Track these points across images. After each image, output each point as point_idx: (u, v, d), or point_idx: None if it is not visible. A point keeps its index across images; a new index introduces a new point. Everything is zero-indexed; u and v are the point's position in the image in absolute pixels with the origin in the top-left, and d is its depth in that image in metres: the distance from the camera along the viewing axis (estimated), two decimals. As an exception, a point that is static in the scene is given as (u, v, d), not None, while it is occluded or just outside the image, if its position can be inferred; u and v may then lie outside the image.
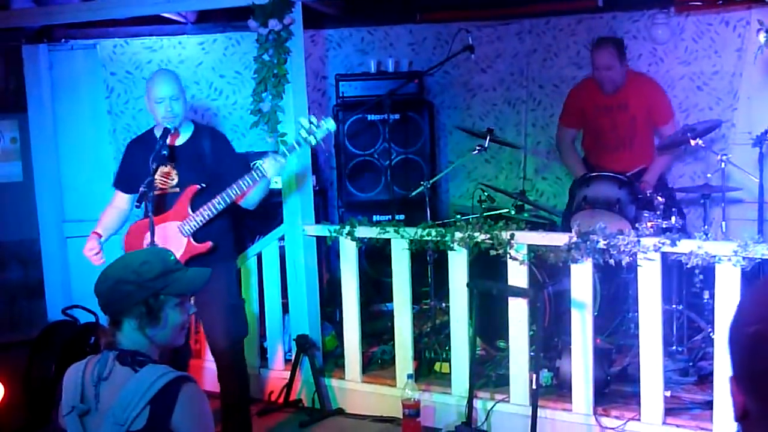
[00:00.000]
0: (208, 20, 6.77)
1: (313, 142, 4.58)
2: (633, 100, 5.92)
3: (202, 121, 6.59)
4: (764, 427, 1.34)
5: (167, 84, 4.55)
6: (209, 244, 4.55)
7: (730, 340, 1.40)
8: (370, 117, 6.59)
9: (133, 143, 4.84)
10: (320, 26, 7.04)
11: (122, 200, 4.81)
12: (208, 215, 4.51)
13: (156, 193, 4.42)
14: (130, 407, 2.45)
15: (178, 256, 4.41)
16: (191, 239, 4.54)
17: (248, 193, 4.59)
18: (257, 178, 4.49)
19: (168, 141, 4.47)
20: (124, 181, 4.78)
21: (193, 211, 4.53)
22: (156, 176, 4.42)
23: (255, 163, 4.91)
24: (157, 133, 4.62)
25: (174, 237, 4.52)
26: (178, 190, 4.58)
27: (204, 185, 4.56)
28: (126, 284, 2.58)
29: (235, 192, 4.49)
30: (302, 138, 4.55)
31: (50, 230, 6.45)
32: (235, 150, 4.89)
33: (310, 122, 4.56)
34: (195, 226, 4.52)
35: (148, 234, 4.33)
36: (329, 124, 4.58)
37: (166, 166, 4.53)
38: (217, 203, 4.50)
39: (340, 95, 6.73)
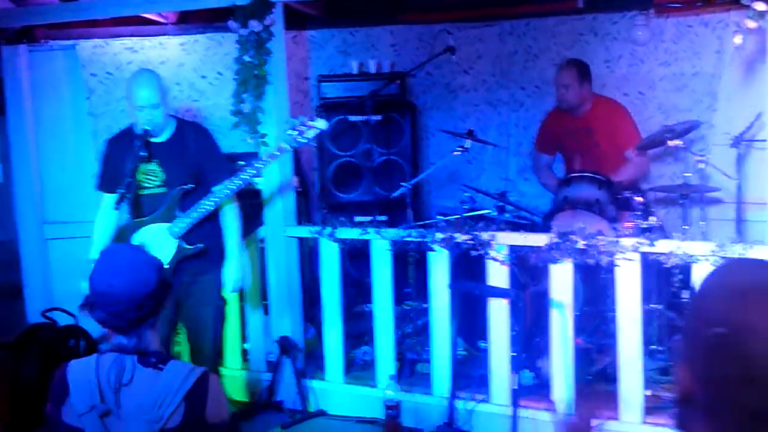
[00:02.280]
0: (189, 21, 6.76)
1: (304, 142, 4.57)
2: (597, 124, 5.96)
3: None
4: (708, 412, 1.39)
5: (147, 91, 4.48)
6: (200, 246, 4.53)
7: (688, 332, 1.43)
8: (352, 118, 6.58)
9: (112, 141, 4.78)
10: (302, 27, 7.04)
11: (109, 202, 4.77)
12: (198, 217, 4.49)
13: (143, 193, 4.41)
14: (164, 405, 2.51)
15: (168, 258, 4.42)
16: (182, 241, 4.53)
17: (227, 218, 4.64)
18: (248, 179, 4.50)
19: (147, 140, 4.46)
20: (106, 182, 4.73)
21: (182, 213, 4.51)
22: (137, 176, 4.39)
23: (238, 164, 4.92)
24: (136, 129, 4.58)
25: (163, 239, 4.50)
26: (164, 188, 4.55)
27: (192, 186, 4.54)
28: (159, 285, 2.64)
29: (225, 192, 4.48)
30: (292, 138, 4.54)
31: (30, 232, 6.39)
32: (219, 145, 4.88)
33: (301, 122, 4.56)
34: (185, 228, 4.50)
35: (133, 237, 4.32)
36: (320, 124, 4.57)
37: (149, 165, 4.50)
38: (207, 204, 4.48)
39: (322, 96, 6.72)
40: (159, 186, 4.56)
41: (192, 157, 4.60)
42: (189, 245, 4.53)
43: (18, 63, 6.28)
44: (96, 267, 2.65)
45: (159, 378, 2.55)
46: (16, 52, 6.29)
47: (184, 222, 4.49)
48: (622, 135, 5.90)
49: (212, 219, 4.59)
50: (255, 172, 4.56)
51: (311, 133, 4.54)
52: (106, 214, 4.71)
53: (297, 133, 4.54)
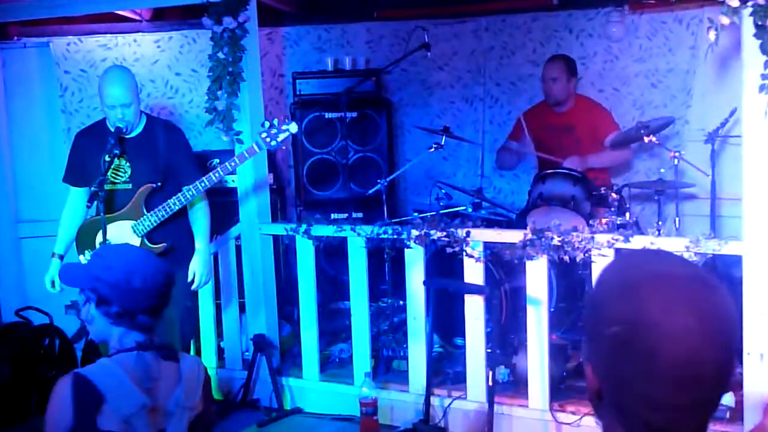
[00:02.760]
0: (163, 18, 6.72)
1: (274, 145, 4.55)
2: (578, 122, 6.00)
3: (158, 119, 6.55)
4: (615, 410, 1.40)
5: (119, 89, 4.45)
6: (163, 245, 4.51)
7: (587, 331, 1.44)
8: (328, 115, 6.56)
9: (82, 134, 4.76)
10: (277, 24, 7.02)
11: (75, 195, 4.75)
12: (163, 215, 4.47)
13: (108, 188, 4.38)
14: (194, 393, 2.66)
15: None
16: (145, 239, 4.50)
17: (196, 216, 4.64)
18: (215, 180, 4.48)
19: (120, 137, 4.44)
20: (74, 174, 4.71)
21: (148, 211, 4.49)
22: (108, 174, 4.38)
23: (213, 162, 4.88)
24: (109, 124, 4.55)
25: (127, 236, 4.47)
26: (130, 185, 4.53)
27: (159, 184, 4.52)
28: (170, 277, 2.73)
29: (192, 193, 4.45)
30: (263, 140, 4.52)
31: (4, 231, 6.34)
32: (189, 144, 4.85)
33: (272, 125, 4.53)
34: (149, 226, 4.48)
35: (100, 233, 4.28)
36: (292, 128, 4.55)
37: (116, 160, 4.47)
38: (173, 203, 4.46)
39: (297, 93, 6.70)
40: (125, 182, 4.54)
41: (161, 154, 4.58)
42: (153, 244, 4.51)
43: (-10, 61, 6.24)
44: (103, 264, 2.62)
45: (182, 369, 2.66)
46: (-12, 50, 6.25)
47: (149, 220, 4.48)
48: (602, 132, 5.93)
49: (179, 218, 4.57)
50: (223, 173, 4.53)
51: (282, 137, 4.52)
52: (72, 208, 4.72)
53: (268, 136, 4.51)
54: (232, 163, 4.52)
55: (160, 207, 4.46)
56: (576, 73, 6.07)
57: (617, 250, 4.27)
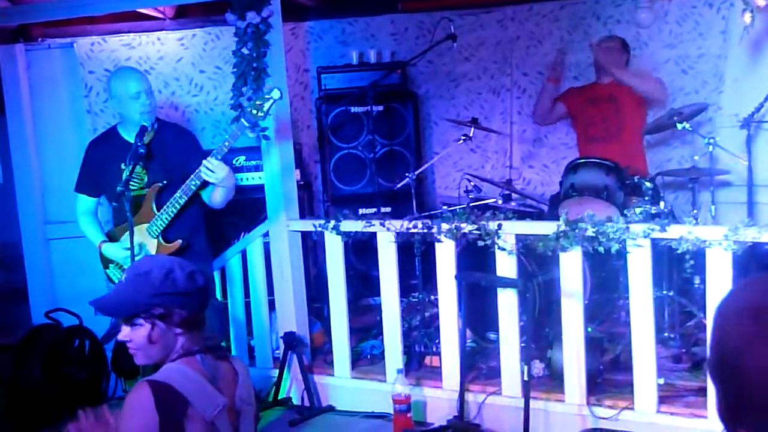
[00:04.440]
0: (186, 15, 6.68)
1: (261, 115, 4.43)
2: (621, 92, 5.97)
3: (183, 117, 6.51)
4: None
5: (138, 78, 4.52)
6: (179, 242, 4.48)
7: (729, 391, 1.31)
8: (354, 109, 6.52)
9: (94, 143, 4.79)
10: (301, 18, 6.96)
11: (90, 204, 4.76)
12: (172, 212, 4.45)
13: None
14: (250, 389, 2.75)
15: None
16: (161, 239, 4.48)
17: (213, 194, 4.53)
18: (198, 182, 4.41)
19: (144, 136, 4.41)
20: (88, 184, 4.73)
21: (158, 210, 4.47)
22: (124, 176, 4.34)
23: (237, 159, 4.82)
24: (122, 131, 4.56)
25: (146, 239, 4.46)
26: (145, 191, 4.53)
27: (165, 182, 4.49)
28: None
29: (195, 183, 4.40)
30: (251, 116, 4.42)
31: (32, 232, 6.35)
32: (201, 147, 4.81)
33: (254, 99, 4.45)
34: (161, 225, 4.47)
35: (127, 235, 4.26)
36: (274, 94, 4.43)
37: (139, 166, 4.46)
38: (179, 197, 4.43)
39: (323, 88, 6.65)
40: (142, 189, 4.53)
41: (174, 159, 4.57)
42: (168, 242, 4.49)
43: (15, 62, 6.24)
44: (154, 278, 2.55)
45: (236, 367, 2.71)
46: (13, 52, 6.25)
47: (160, 219, 4.46)
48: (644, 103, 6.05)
49: (190, 214, 4.54)
50: (219, 157, 4.44)
51: (267, 105, 4.41)
52: (87, 216, 4.74)
53: (253, 108, 4.41)
54: (226, 143, 4.42)
55: (168, 203, 4.44)
56: (629, 51, 6.12)
57: (653, 241, 4.18)
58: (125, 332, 2.58)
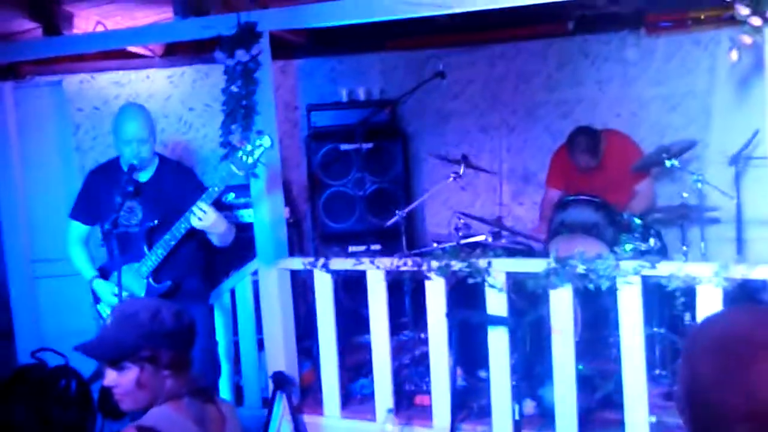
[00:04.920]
0: (175, 53, 6.70)
1: (252, 163, 4.39)
2: (609, 159, 5.90)
3: (172, 155, 6.49)
4: None
5: (135, 124, 4.45)
6: (168, 284, 4.44)
7: (688, 408, 1.30)
8: (343, 147, 6.51)
9: (95, 173, 4.75)
10: (290, 56, 6.99)
11: (81, 231, 4.72)
12: (162, 253, 4.40)
13: (119, 231, 4.31)
14: (239, 431, 2.72)
15: None
16: (150, 281, 4.44)
17: (210, 236, 4.50)
18: (187, 225, 4.37)
19: (134, 176, 4.38)
20: (83, 211, 4.70)
21: (149, 250, 4.43)
22: (120, 213, 4.31)
23: (227, 196, 4.79)
24: (122, 163, 4.52)
25: (136, 279, 4.42)
26: (139, 228, 4.49)
27: (155, 222, 4.46)
28: None
29: (185, 225, 4.36)
30: (241, 165, 4.39)
31: (18, 271, 6.29)
32: (203, 185, 4.77)
33: (244, 147, 4.42)
34: (151, 266, 4.42)
35: (115, 274, 4.22)
36: (265, 142, 4.42)
37: (130, 202, 4.42)
38: (169, 238, 4.39)
39: (312, 125, 6.66)
40: (136, 225, 4.50)
41: (171, 197, 4.53)
42: (157, 283, 4.45)
43: (4, 100, 6.20)
44: (142, 319, 2.51)
45: (221, 410, 2.66)
46: (1, 90, 6.22)
47: (150, 260, 4.42)
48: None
49: (182, 255, 4.50)
50: (210, 201, 4.41)
51: (258, 152, 4.39)
52: (78, 244, 4.69)
53: (244, 154, 4.38)
54: (216, 189, 4.38)
55: (157, 244, 4.40)
56: (600, 142, 5.89)
57: (644, 278, 4.17)
58: (111, 377, 2.52)
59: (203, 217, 4.29)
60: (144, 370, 2.50)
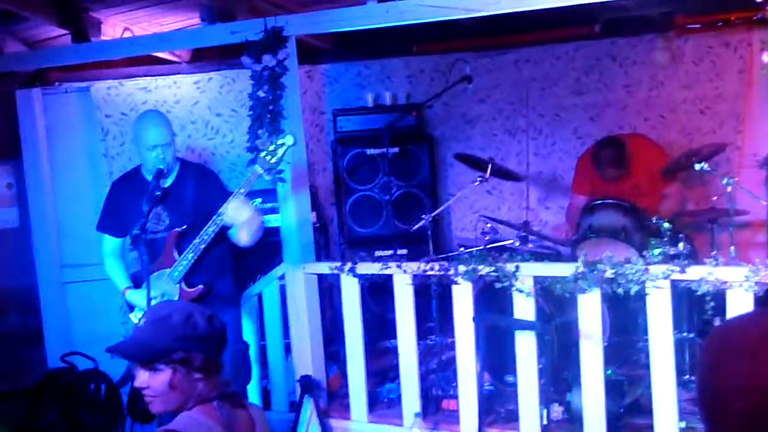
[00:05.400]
0: (202, 59, 6.73)
1: (275, 162, 4.41)
2: (634, 165, 5.84)
3: (199, 161, 6.52)
4: None
5: (157, 129, 4.47)
6: (200, 288, 4.45)
7: (707, 407, 1.28)
8: (369, 151, 6.52)
9: (118, 183, 4.77)
10: (316, 61, 7.00)
11: (114, 245, 4.73)
12: (193, 257, 4.41)
13: (147, 237, 4.32)
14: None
15: None
16: (183, 285, 4.45)
17: (238, 233, 4.49)
18: (216, 228, 4.38)
19: (161, 179, 4.40)
20: (112, 224, 4.71)
21: (179, 255, 4.44)
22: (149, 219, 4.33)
23: (254, 201, 4.80)
24: (144, 171, 4.54)
25: (168, 285, 4.43)
26: (166, 234, 4.50)
27: (185, 227, 4.47)
28: None
29: (213, 229, 4.37)
30: (265, 164, 4.40)
31: (48, 276, 6.35)
32: (226, 188, 4.78)
33: (267, 148, 4.43)
34: (182, 270, 4.43)
35: (152, 279, 4.24)
36: (288, 140, 4.43)
37: (157, 209, 4.44)
38: (199, 242, 4.40)
39: (338, 130, 6.67)
40: (164, 230, 4.51)
41: (197, 201, 4.54)
42: (190, 288, 4.46)
43: (32, 106, 6.28)
44: (174, 322, 2.53)
45: (251, 415, 2.65)
46: (30, 96, 6.29)
47: (181, 265, 4.43)
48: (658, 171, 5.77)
49: (212, 258, 4.50)
50: (244, 192, 4.41)
51: (281, 152, 4.40)
52: (112, 257, 4.70)
53: (268, 154, 4.39)
54: (242, 190, 4.40)
55: (188, 249, 4.41)
56: (626, 153, 5.83)
57: (673, 282, 4.13)
58: (143, 378, 2.52)
59: (235, 212, 4.33)
60: (176, 372, 2.49)
